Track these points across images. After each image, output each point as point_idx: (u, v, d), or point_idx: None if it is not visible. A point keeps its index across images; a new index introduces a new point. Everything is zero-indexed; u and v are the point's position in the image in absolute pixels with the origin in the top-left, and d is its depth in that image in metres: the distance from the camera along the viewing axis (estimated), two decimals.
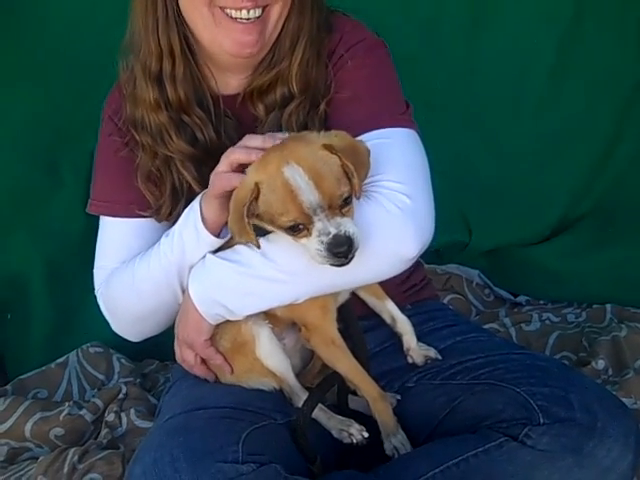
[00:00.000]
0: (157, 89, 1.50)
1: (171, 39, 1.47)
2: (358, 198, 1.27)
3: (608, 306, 2.25)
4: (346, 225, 1.22)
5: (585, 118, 2.54)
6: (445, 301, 2.32)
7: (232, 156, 1.32)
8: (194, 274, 1.40)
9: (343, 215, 1.23)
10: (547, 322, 2.23)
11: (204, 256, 1.40)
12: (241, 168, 1.31)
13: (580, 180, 2.58)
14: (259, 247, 1.28)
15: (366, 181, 1.32)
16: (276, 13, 1.45)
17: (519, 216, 2.56)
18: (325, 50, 1.51)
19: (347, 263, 1.22)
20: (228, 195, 1.31)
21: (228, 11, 1.42)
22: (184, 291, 1.46)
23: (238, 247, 1.37)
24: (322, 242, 1.21)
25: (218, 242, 1.40)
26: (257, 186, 1.23)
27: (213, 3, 1.42)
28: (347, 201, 1.23)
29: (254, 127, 1.51)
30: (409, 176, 1.37)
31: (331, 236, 1.20)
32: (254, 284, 1.34)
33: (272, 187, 1.22)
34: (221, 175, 1.34)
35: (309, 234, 1.22)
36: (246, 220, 1.24)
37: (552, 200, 2.59)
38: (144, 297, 1.52)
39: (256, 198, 1.24)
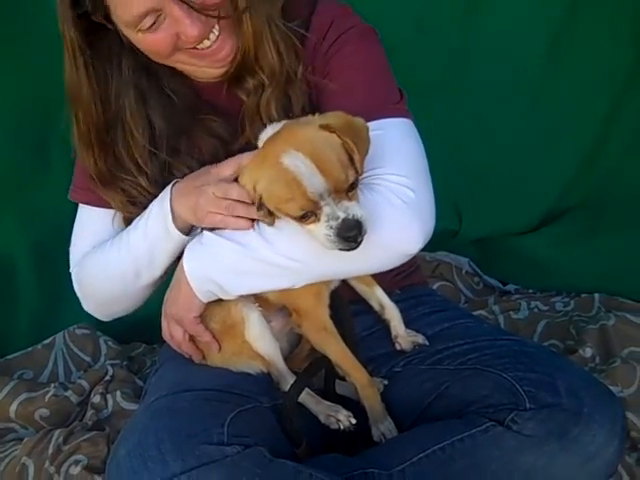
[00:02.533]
0: None
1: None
2: (361, 174, 1.24)
3: (596, 295, 2.25)
4: (354, 209, 1.19)
5: (578, 109, 2.53)
6: (434, 288, 2.31)
7: (232, 192, 1.31)
8: (189, 250, 1.38)
9: (350, 199, 1.21)
10: (535, 310, 2.23)
11: (201, 231, 1.38)
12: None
13: (571, 171, 2.57)
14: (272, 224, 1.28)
15: (368, 174, 1.31)
16: (230, 23, 1.38)
17: (510, 205, 2.55)
18: (296, 35, 1.44)
19: (356, 247, 1.20)
20: None
21: (193, 51, 1.39)
22: (154, 282, 1.50)
23: None
24: (331, 227, 1.19)
25: (188, 240, 1.40)
26: (256, 189, 1.23)
27: (175, 55, 1.39)
28: (353, 185, 1.21)
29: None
30: (411, 169, 1.36)
31: (340, 220, 1.18)
32: (252, 265, 1.32)
33: (274, 181, 1.20)
34: (214, 216, 1.34)
35: (317, 220, 1.20)
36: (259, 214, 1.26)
37: (543, 190, 2.58)
38: (112, 282, 1.54)
39: (260, 198, 1.23)
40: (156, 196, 1.47)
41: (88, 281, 1.60)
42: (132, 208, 1.52)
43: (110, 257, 1.51)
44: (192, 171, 1.45)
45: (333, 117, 1.26)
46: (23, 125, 2.35)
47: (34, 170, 2.39)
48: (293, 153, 1.17)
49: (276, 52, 1.41)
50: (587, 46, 2.49)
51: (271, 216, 1.27)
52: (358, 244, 1.20)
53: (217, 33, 1.37)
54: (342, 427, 1.40)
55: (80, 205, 1.64)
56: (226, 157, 1.38)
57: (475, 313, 2.11)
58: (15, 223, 2.38)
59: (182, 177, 1.45)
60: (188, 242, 1.40)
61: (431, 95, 2.40)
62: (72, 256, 1.65)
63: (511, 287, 2.46)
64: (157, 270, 1.48)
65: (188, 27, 1.30)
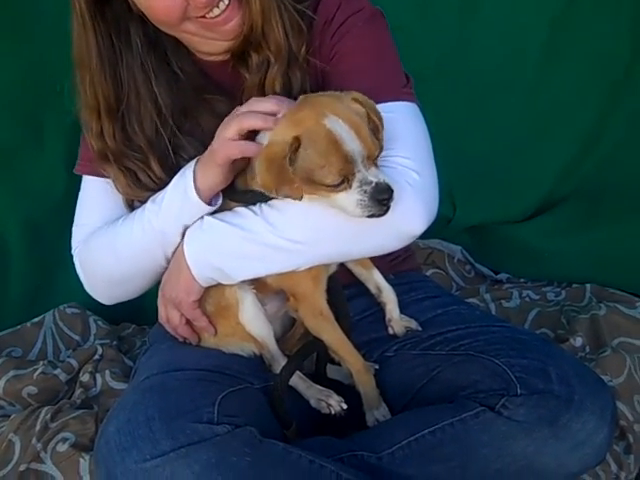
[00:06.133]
0: None
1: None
2: (380, 154, 1.27)
3: (588, 286, 2.26)
4: (382, 175, 1.23)
5: (575, 99, 2.54)
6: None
7: (245, 122, 1.28)
8: (190, 234, 1.37)
9: (376, 167, 1.24)
10: (527, 299, 2.24)
11: (201, 217, 1.36)
12: (252, 135, 1.28)
13: (566, 160, 2.59)
14: (301, 198, 1.24)
15: None
16: None
17: (504, 193, 2.56)
18: (302, 16, 1.44)
19: (386, 212, 1.23)
20: (230, 163, 1.30)
21: (202, 20, 1.37)
22: (168, 260, 1.43)
23: (239, 209, 1.34)
24: (365, 192, 1.21)
25: (210, 209, 1.36)
26: (297, 139, 1.20)
27: (183, 24, 1.37)
28: (378, 154, 1.25)
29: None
30: (417, 152, 1.36)
31: (374, 184, 1.21)
32: (255, 250, 1.31)
33: (313, 139, 1.20)
34: (229, 143, 1.29)
35: (349, 187, 1.21)
36: (290, 171, 1.21)
37: (538, 179, 2.59)
38: (123, 262, 1.49)
39: (295, 151, 1.21)
40: (162, 179, 1.44)
41: (96, 260, 1.54)
42: (137, 191, 1.48)
43: (122, 233, 1.47)
44: (197, 151, 1.43)
45: (356, 94, 1.28)
46: (18, 103, 2.32)
47: (27, 147, 2.36)
48: (333, 117, 1.20)
49: (283, 29, 1.41)
50: (585, 36, 2.49)
51: (295, 184, 1.23)
52: (388, 209, 1.22)
53: (227, 2, 1.36)
54: (333, 412, 1.40)
55: (87, 180, 1.59)
56: None
57: (466, 301, 2.11)
58: (7, 200, 2.36)
59: (188, 159, 1.43)
60: (208, 212, 1.36)
61: (428, 81, 2.38)
62: (75, 236, 1.59)
63: (503, 276, 2.46)
64: (174, 246, 1.42)
65: None
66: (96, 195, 1.57)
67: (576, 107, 2.54)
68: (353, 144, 1.19)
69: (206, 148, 1.37)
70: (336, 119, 1.20)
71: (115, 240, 1.48)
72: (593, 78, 2.52)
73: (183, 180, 1.37)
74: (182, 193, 1.36)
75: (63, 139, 2.31)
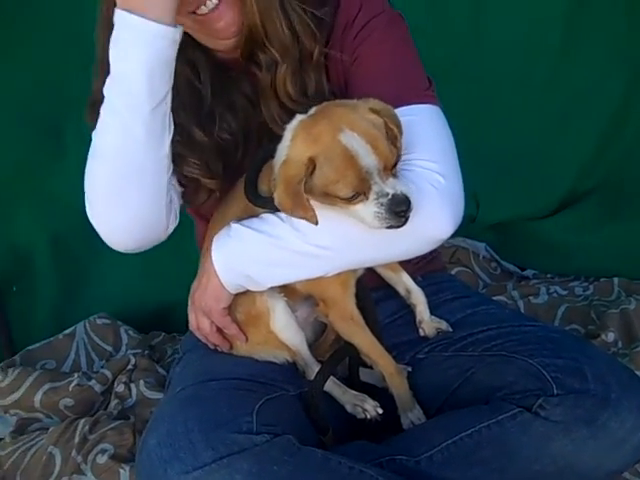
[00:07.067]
0: None
1: None
2: (398, 162, 1.26)
3: (615, 279, 2.25)
4: (400, 185, 1.22)
5: (593, 92, 2.52)
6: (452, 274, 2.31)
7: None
8: (217, 241, 1.38)
9: (394, 177, 1.23)
10: (555, 295, 2.23)
11: (229, 224, 1.37)
12: None
13: (588, 155, 2.57)
14: (317, 223, 1.24)
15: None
16: None
17: (527, 190, 2.55)
18: (315, 17, 1.43)
19: (404, 224, 1.22)
20: None
21: (194, 16, 1.37)
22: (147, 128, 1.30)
23: (266, 216, 1.35)
24: (382, 204, 1.20)
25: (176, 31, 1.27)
26: (312, 160, 1.21)
27: (181, 19, 1.34)
28: (395, 163, 1.24)
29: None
30: (441, 155, 1.35)
31: (390, 196, 1.20)
32: (283, 256, 1.32)
33: (329, 157, 1.20)
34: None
35: (366, 199, 1.21)
36: (305, 197, 1.22)
37: (560, 174, 2.58)
38: (118, 146, 1.32)
39: (311, 173, 1.21)
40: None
41: (92, 171, 1.37)
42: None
43: (105, 120, 1.32)
44: (230, 127, 1.47)
45: (373, 102, 1.27)
46: (40, 114, 2.35)
47: (51, 159, 2.40)
48: (349, 132, 1.19)
49: (288, 29, 1.40)
50: (602, 30, 2.48)
51: (311, 210, 1.23)
52: (406, 220, 1.22)
53: (216, 1, 1.36)
54: (369, 417, 1.40)
55: None
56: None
57: (494, 299, 2.11)
58: (32, 213, 2.40)
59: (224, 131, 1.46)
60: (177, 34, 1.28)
61: (445, 81, 2.36)
62: None
63: (529, 272, 2.46)
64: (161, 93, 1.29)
65: None
66: None
67: (595, 100, 2.52)
68: (369, 159, 1.19)
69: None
70: (352, 134, 1.19)
71: (95, 141, 1.35)
72: (611, 71, 2.50)
73: None
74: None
75: (85, 150, 2.33)
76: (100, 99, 1.34)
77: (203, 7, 1.36)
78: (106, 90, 1.31)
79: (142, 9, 1.25)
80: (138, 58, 1.26)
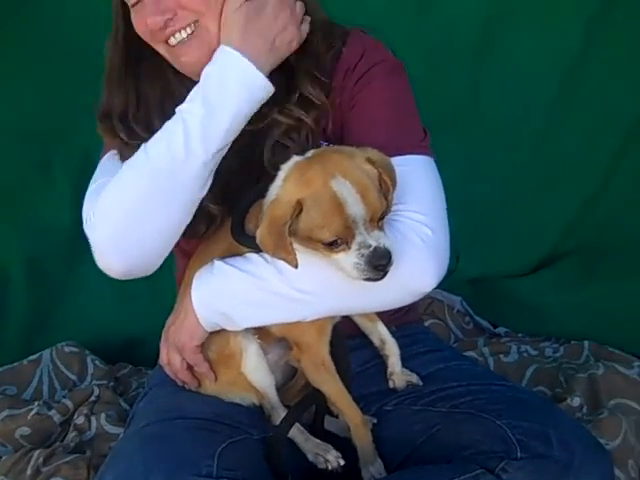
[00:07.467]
0: None
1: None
2: (390, 208, 1.27)
3: (586, 343, 2.26)
4: (384, 239, 1.22)
5: (582, 153, 2.57)
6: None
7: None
8: (199, 277, 1.37)
9: (379, 229, 1.23)
10: (525, 355, 2.24)
11: (212, 261, 1.37)
12: None
13: (572, 215, 2.61)
14: (297, 266, 1.24)
15: None
16: (213, 25, 1.39)
17: (508, 247, 2.57)
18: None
19: (382, 277, 1.21)
20: None
21: (166, 45, 1.42)
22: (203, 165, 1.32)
23: (250, 255, 1.34)
24: (362, 255, 1.20)
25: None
26: (300, 203, 1.21)
27: (156, 45, 1.44)
28: (382, 216, 1.24)
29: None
30: (431, 207, 1.37)
31: (372, 249, 1.20)
32: (263, 298, 1.32)
33: (318, 202, 1.20)
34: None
35: (348, 248, 1.21)
36: (288, 240, 1.22)
37: (541, 233, 2.61)
38: (144, 180, 1.34)
39: (297, 216, 1.21)
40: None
41: (110, 196, 1.36)
42: None
43: (138, 156, 1.35)
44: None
45: (371, 152, 1.28)
46: (28, 140, 2.36)
47: (36, 185, 2.40)
48: (341, 179, 1.20)
49: None
50: (595, 96, 2.53)
51: (292, 253, 1.23)
52: (385, 274, 1.21)
53: (185, 36, 1.40)
54: (330, 467, 1.38)
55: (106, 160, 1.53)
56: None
57: (465, 354, 2.11)
58: (12, 236, 2.38)
59: None
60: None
61: (440, 131, 2.40)
62: (87, 203, 1.45)
63: (501, 329, 2.47)
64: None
65: (149, 11, 1.36)
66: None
67: (582, 164, 2.57)
68: (357, 207, 1.19)
69: None
70: (344, 181, 1.19)
71: (132, 162, 1.36)
72: (600, 137, 2.55)
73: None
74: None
75: (71, 176, 2.33)
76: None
77: (172, 38, 1.40)
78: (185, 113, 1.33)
79: (256, 57, 1.32)
80: (238, 98, 1.31)
